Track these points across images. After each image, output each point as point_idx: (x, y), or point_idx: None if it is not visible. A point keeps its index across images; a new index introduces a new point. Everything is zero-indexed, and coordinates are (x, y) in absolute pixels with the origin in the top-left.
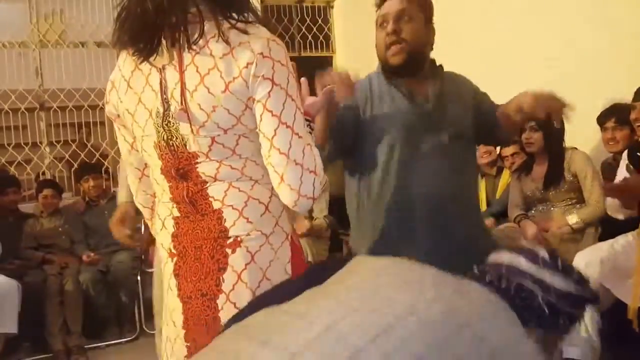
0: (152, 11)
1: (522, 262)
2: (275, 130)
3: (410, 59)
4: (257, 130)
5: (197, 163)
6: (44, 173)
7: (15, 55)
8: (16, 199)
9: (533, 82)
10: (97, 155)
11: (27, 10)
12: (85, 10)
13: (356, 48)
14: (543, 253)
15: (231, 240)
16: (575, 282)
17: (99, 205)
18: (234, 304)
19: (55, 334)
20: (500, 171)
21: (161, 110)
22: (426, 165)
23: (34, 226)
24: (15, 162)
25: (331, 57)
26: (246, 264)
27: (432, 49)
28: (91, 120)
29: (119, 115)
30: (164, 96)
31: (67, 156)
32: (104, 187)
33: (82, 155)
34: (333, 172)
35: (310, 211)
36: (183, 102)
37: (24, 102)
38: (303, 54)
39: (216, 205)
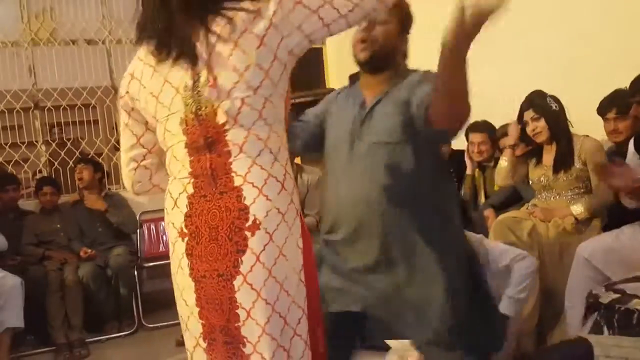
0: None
1: None
2: None
3: (375, 56)
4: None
5: (226, 130)
6: (40, 171)
7: (8, 55)
8: (16, 196)
9: (539, 71)
10: (92, 152)
11: (17, 9)
12: (75, 8)
13: (347, 41)
14: None
15: (250, 223)
16: None
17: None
18: (251, 285)
19: (58, 328)
20: (497, 162)
21: (190, 83)
22: (352, 168)
23: (34, 223)
24: (12, 161)
25: (321, 48)
26: (265, 245)
27: (405, 58)
28: (85, 119)
29: (133, 109)
30: (196, 68)
31: (62, 154)
32: (100, 183)
33: (77, 153)
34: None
35: (303, 207)
36: (214, 70)
37: (18, 101)
38: None
39: (237, 181)
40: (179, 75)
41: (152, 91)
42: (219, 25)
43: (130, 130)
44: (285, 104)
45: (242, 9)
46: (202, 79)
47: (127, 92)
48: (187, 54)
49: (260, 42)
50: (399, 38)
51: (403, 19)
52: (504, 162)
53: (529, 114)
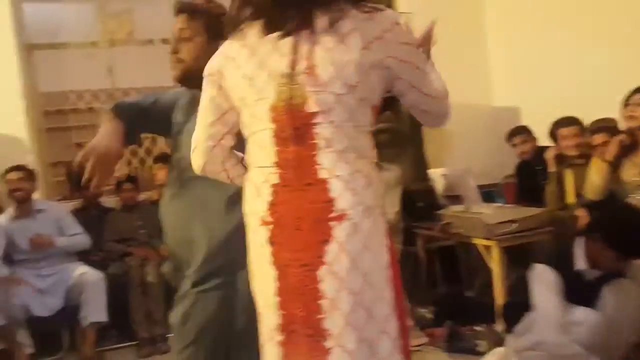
0: None
1: None
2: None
3: (185, 76)
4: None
5: (315, 123)
6: (118, 169)
7: (87, 55)
8: (97, 193)
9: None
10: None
11: (95, 10)
12: (151, 8)
13: None
14: None
15: (335, 214)
16: None
17: None
18: (335, 274)
19: (140, 323)
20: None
21: (287, 70)
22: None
23: (115, 220)
24: None
25: None
26: (350, 236)
27: None
28: None
29: (221, 87)
30: (295, 56)
31: (140, 153)
32: None
33: (155, 152)
34: (402, 164)
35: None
36: (314, 59)
37: (97, 101)
38: None
39: (323, 174)
40: (277, 61)
41: (246, 72)
42: (329, 17)
43: (215, 105)
44: (374, 113)
45: (357, 6)
46: (301, 67)
47: (218, 71)
48: (291, 34)
49: (366, 46)
50: (209, 49)
51: (209, 28)
52: (598, 179)
53: (637, 98)
